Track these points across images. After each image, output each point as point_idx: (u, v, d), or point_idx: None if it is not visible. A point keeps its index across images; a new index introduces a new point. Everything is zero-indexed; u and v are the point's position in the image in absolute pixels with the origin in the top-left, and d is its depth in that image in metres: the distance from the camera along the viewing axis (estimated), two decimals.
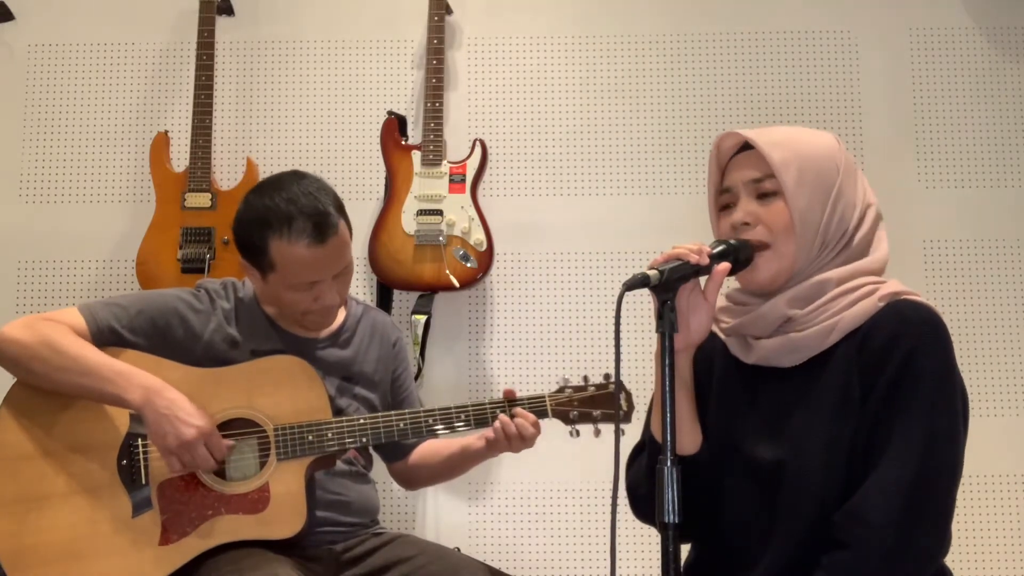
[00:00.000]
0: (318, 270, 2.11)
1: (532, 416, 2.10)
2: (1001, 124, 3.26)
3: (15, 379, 2.12)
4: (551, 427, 2.14)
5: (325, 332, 2.27)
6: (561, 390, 2.15)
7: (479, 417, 2.12)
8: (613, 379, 2.10)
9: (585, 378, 2.16)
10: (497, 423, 2.10)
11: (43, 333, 2.06)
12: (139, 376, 2.04)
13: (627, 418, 2.11)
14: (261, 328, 2.22)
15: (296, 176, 2.16)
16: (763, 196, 1.63)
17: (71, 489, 2.05)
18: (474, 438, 2.20)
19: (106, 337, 2.11)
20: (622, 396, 2.15)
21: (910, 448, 1.50)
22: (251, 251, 2.13)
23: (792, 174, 1.60)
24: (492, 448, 2.14)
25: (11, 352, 2.08)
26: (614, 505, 1.46)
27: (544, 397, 2.14)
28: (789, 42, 3.30)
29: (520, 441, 2.09)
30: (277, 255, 2.09)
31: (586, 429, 2.13)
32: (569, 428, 2.14)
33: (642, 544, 2.95)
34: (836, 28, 3.30)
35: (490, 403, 2.13)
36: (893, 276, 1.66)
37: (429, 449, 2.35)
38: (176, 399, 2.02)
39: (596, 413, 2.13)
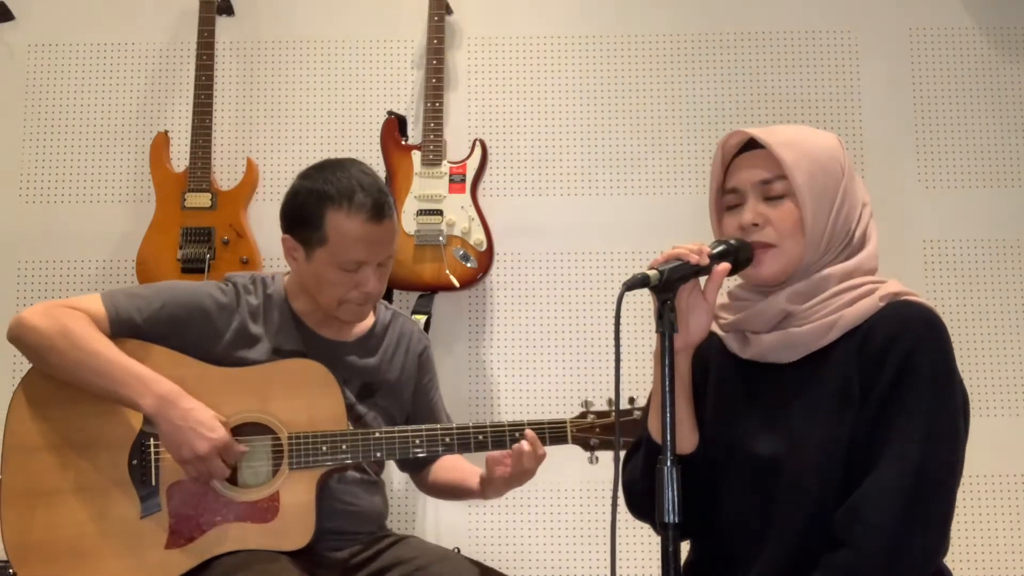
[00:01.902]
0: (369, 250, 2.08)
1: (533, 453, 2.02)
2: (1001, 124, 3.26)
3: (31, 364, 2.08)
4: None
5: (352, 336, 2.22)
6: (583, 415, 2.09)
7: (496, 437, 2.06)
8: (635, 403, 2.06)
9: (610, 401, 2.08)
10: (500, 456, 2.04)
11: (63, 323, 2.01)
12: (155, 382, 2.00)
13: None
14: (286, 326, 2.16)
15: (353, 161, 2.17)
16: (771, 198, 1.63)
17: (80, 485, 2.02)
18: (474, 476, 2.16)
19: (124, 328, 2.06)
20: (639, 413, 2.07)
21: (909, 447, 1.50)
22: (304, 223, 2.09)
23: (803, 175, 1.60)
24: (488, 487, 2.10)
25: (30, 339, 2.03)
26: (614, 505, 1.46)
27: (565, 422, 2.08)
28: (789, 42, 3.30)
29: (519, 474, 2.03)
30: (332, 227, 2.06)
31: (606, 456, 2.05)
32: (589, 455, 2.08)
33: (642, 544, 2.95)
34: (836, 28, 3.30)
35: (509, 425, 2.07)
36: (893, 276, 1.66)
37: (440, 466, 2.30)
38: (191, 408, 1.98)
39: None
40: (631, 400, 2.09)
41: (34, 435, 2.04)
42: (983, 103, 3.27)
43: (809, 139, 1.66)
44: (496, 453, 2.05)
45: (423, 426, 2.10)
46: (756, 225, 1.63)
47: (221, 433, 1.98)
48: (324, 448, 2.03)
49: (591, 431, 2.07)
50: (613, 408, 2.07)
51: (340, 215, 2.05)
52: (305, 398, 2.06)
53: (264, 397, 2.06)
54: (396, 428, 2.10)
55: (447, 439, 2.07)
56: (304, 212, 2.09)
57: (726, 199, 1.69)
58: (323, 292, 2.12)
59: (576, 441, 2.07)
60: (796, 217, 1.61)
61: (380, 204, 2.07)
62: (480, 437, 2.07)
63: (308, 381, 2.07)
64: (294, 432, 2.04)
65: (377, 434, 2.06)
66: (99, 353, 2.00)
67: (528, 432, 2.03)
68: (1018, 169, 3.24)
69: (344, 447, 2.04)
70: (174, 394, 1.99)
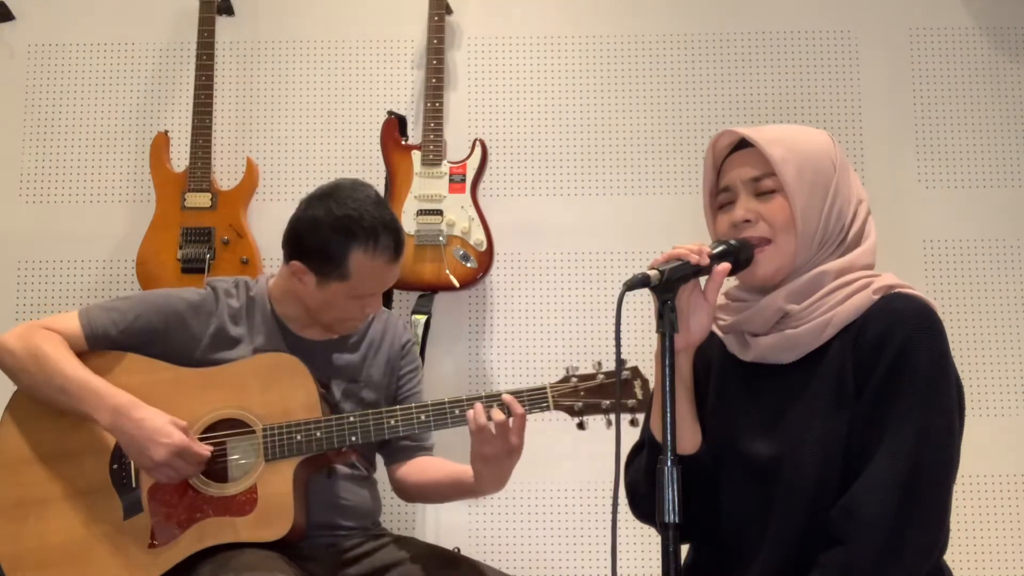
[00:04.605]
0: (385, 283, 2.16)
1: (504, 415, 1.92)
2: (1001, 124, 3.26)
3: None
4: (551, 426, 2.11)
5: (335, 335, 2.25)
6: (566, 379, 1.99)
7: None
8: (625, 364, 1.94)
9: (598, 364, 2.00)
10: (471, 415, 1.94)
11: (33, 344, 2.07)
12: (110, 396, 2.03)
13: (642, 407, 1.94)
14: (269, 329, 2.20)
15: (359, 186, 2.14)
16: (762, 194, 1.64)
17: (67, 493, 2.07)
18: (468, 471, 2.06)
19: (101, 342, 2.12)
20: (638, 384, 1.98)
21: (904, 442, 1.50)
22: (324, 258, 2.09)
23: (792, 171, 1.61)
24: (482, 472, 2.00)
25: (6, 362, 2.11)
26: (615, 505, 1.46)
27: (545, 388, 1.99)
28: (789, 42, 3.30)
29: (502, 440, 1.92)
30: (356, 266, 2.08)
31: (595, 422, 1.93)
32: (576, 420, 1.97)
33: (642, 544, 2.95)
34: (836, 28, 3.30)
35: (487, 396, 2.00)
36: (892, 276, 1.66)
37: (428, 465, 2.27)
38: (145, 418, 2.01)
39: (605, 404, 1.96)
40: (598, 365, 1.99)
41: (22, 449, 2.09)
42: (983, 103, 3.27)
43: (798, 136, 1.66)
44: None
45: (397, 406, 2.09)
46: (748, 221, 1.63)
47: (177, 437, 2.00)
48: (299, 437, 2.05)
49: (574, 395, 1.97)
50: (599, 372, 1.98)
51: (366, 256, 2.08)
52: (278, 390, 2.08)
53: (238, 393, 2.09)
54: (370, 411, 2.08)
55: (423, 416, 2.05)
56: (327, 248, 2.08)
57: (719, 199, 1.70)
58: (327, 314, 2.17)
59: (558, 407, 1.96)
60: (787, 212, 1.61)
61: (400, 243, 2.13)
62: (457, 412, 2.02)
63: (280, 372, 2.09)
64: (268, 424, 2.06)
65: (351, 418, 2.06)
66: (61, 372, 2.05)
67: (505, 396, 1.94)
68: (1018, 169, 3.24)
69: (319, 434, 2.05)
70: (127, 406, 2.02)
